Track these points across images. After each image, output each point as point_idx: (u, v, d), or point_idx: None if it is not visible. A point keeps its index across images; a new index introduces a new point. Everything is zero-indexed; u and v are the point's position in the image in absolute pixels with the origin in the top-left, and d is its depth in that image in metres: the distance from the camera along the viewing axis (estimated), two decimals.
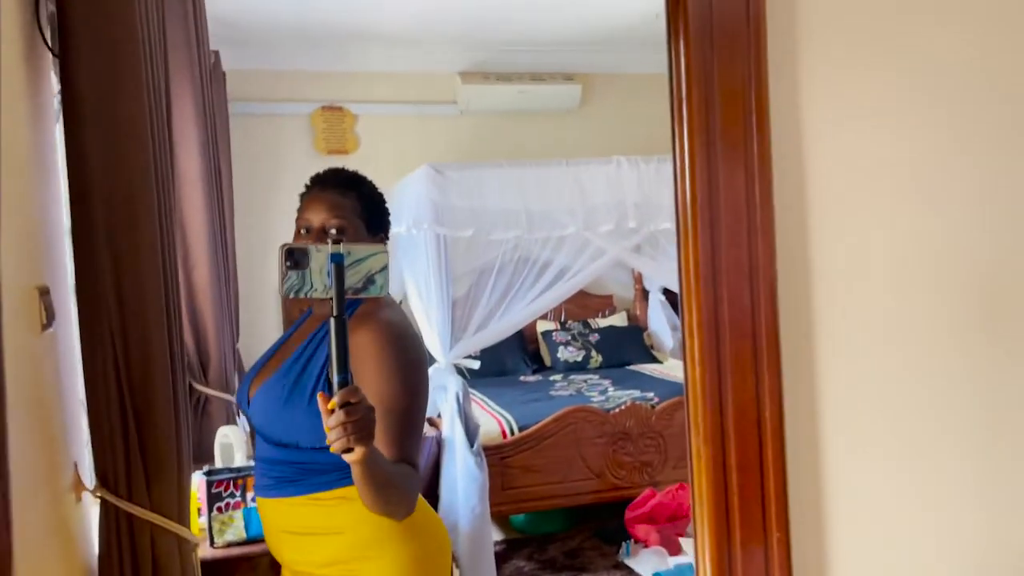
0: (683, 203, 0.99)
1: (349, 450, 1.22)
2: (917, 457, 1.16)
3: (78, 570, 1.62)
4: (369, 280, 1.19)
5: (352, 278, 1.17)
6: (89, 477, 1.76)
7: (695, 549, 1.04)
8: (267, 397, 1.66)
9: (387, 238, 1.79)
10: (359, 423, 1.20)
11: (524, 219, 3.73)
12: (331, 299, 1.16)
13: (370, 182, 1.76)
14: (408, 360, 1.57)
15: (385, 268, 1.20)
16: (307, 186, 1.74)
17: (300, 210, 1.70)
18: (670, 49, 1.00)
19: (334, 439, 1.20)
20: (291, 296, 1.18)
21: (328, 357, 1.20)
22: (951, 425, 1.17)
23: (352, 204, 1.68)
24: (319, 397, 1.22)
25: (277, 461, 1.64)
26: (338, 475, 1.57)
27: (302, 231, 1.68)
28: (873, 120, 1.12)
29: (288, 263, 1.16)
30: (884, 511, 1.14)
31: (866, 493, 1.13)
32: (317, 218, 1.66)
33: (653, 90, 5.84)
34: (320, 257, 1.16)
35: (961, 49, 1.16)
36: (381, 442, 1.45)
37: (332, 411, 1.20)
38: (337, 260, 1.15)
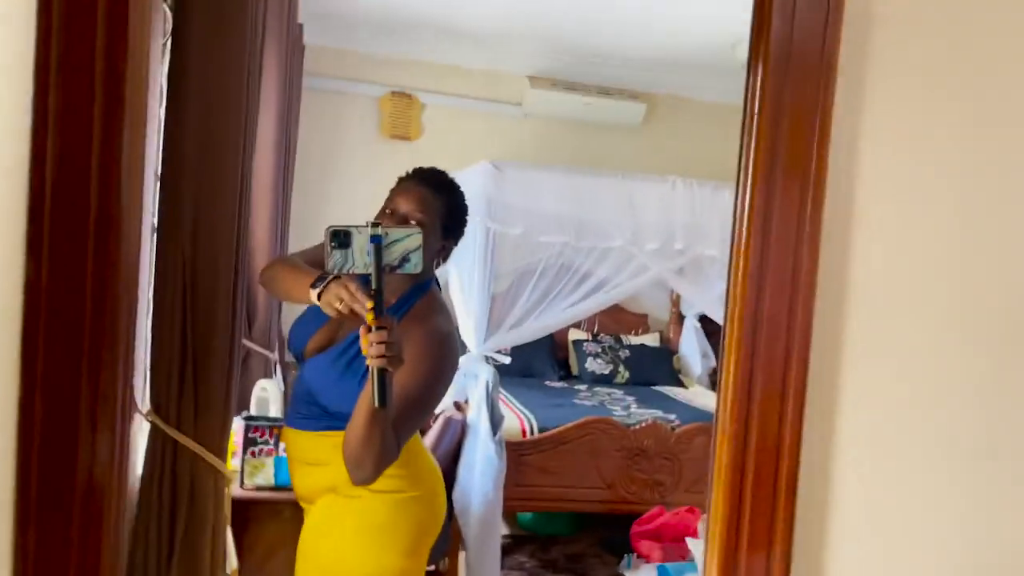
0: (741, 207, 1.08)
1: (385, 366, 1.37)
2: (925, 471, 1.23)
3: None
4: (405, 259, 1.34)
5: (389, 256, 1.32)
6: (140, 401, 1.87)
7: (707, 526, 1.12)
8: (322, 369, 1.83)
9: (455, 244, 1.91)
10: (397, 345, 1.37)
11: (574, 226, 3.80)
12: (371, 274, 1.32)
13: (461, 193, 1.90)
14: (442, 367, 1.73)
15: (419, 248, 1.34)
16: (406, 175, 1.87)
17: (393, 193, 1.83)
18: (749, 68, 1.08)
19: (376, 354, 1.35)
20: (336, 272, 1.34)
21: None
22: (960, 442, 1.25)
23: (439, 206, 1.82)
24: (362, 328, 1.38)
25: (311, 403, 1.85)
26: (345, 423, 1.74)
27: (387, 211, 1.81)
28: (927, 158, 1.20)
29: (333, 243, 1.32)
30: (886, 521, 1.22)
31: (870, 499, 1.21)
32: (406, 206, 1.79)
33: (715, 118, 5.91)
34: (362, 238, 1.32)
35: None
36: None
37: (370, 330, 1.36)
38: (376, 241, 1.31)
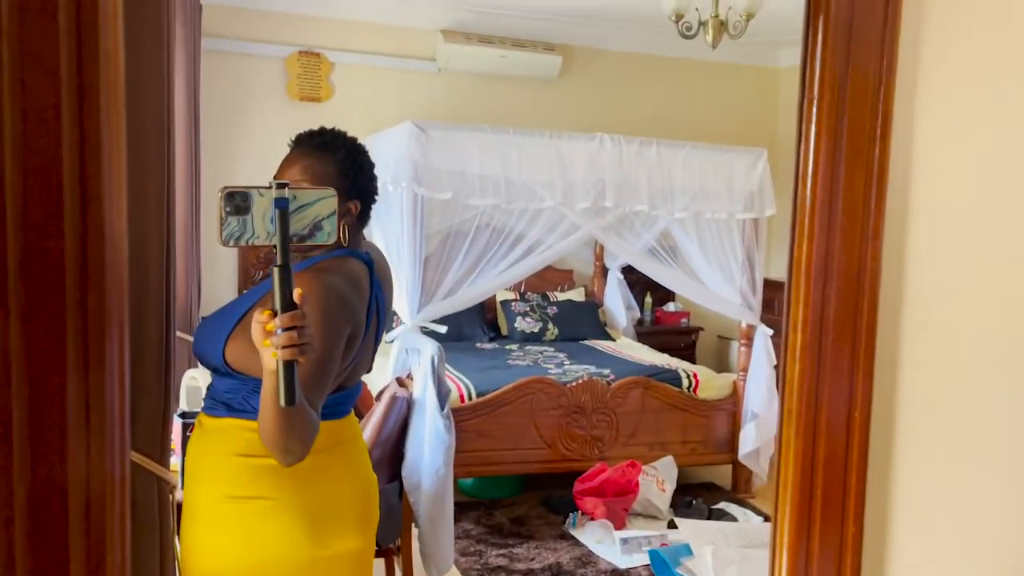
0: (803, 202, 1.01)
1: (295, 357, 1.16)
2: (986, 469, 1.19)
3: None
4: (316, 227, 1.12)
5: (297, 224, 1.11)
6: None
7: (773, 535, 1.08)
8: (204, 322, 1.68)
9: (367, 205, 1.73)
10: (306, 331, 1.17)
11: (503, 187, 3.72)
12: (274, 247, 1.09)
13: (353, 145, 1.71)
14: (336, 317, 1.53)
15: (333, 214, 1.14)
16: (289, 144, 1.70)
17: (278, 168, 1.67)
18: (806, 44, 1.01)
19: (284, 343, 1.15)
20: (231, 244, 1.11)
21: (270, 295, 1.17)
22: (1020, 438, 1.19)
23: (326, 168, 1.64)
24: (259, 312, 1.18)
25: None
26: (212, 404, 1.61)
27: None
28: (986, 133, 1.11)
29: (228, 208, 1.08)
30: (944, 519, 1.19)
31: (931, 501, 1.17)
32: (290, 179, 1.62)
33: (631, 69, 5.89)
34: (263, 202, 1.09)
35: None
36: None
37: (272, 331, 1.15)
38: (281, 205, 1.08)
